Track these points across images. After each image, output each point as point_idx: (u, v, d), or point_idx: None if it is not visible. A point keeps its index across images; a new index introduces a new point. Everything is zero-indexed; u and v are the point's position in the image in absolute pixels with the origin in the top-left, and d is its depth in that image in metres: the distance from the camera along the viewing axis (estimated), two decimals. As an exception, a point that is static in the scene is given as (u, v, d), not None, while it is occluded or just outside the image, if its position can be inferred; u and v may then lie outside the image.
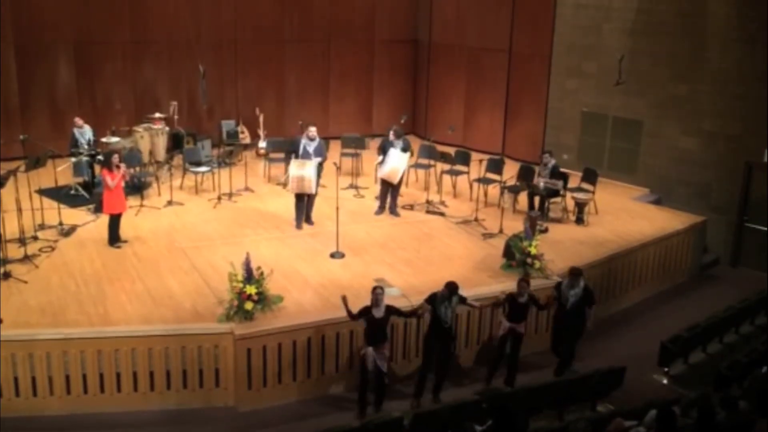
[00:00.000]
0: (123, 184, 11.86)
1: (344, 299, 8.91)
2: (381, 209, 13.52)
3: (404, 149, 13.22)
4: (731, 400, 7.66)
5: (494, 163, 14.50)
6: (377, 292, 8.93)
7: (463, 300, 9.47)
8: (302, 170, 12.40)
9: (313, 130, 12.74)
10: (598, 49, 15.58)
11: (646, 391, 9.49)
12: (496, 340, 10.07)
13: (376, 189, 13.97)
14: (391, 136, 13.32)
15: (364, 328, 9.09)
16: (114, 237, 11.71)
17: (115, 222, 11.73)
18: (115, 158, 11.62)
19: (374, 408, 9.33)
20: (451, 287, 9.27)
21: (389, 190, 13.43)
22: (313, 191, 12.61)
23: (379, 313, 8.96)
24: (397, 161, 13.02)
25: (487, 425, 8.07)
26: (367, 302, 9.06)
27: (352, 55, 18.62)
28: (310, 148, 12.69)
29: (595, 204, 13.76)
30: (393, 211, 13.53)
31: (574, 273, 9.96)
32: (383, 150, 13.43)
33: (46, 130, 15.61)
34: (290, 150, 12.97)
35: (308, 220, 12.90)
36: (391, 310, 9.06)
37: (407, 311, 9.34)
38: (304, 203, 12.78)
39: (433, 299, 9.32)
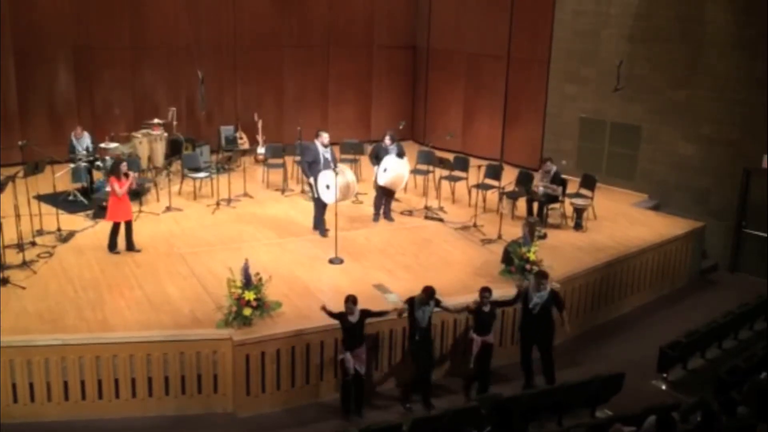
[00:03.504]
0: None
1: (324, 309, 9.10)
2: (377, 216, 13.49)
3: (399, 154, 13.17)
4: (730, 405, 7.67)
5: (493, 169, 14.51)
6: (348, 305, 9.02)
7: (437, 303, 9.49)
8: (347, 177, 12.05)
9: (326, 137, 12.47)
10: (596, 54, 15.61)
11: (645, 397, 9.47)
12: (471, 358, 9.89)
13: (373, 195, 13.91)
14: (387, 141, 13.24)
15: (341, 333, 9.17)
16: (114, 243, 11.68)
17: (116, 228, 11.69)
18: (124, 166, 11.61)
19: (355, 412, 9.37)
20: (429, 292, 9.32)
21: (384, 196, 13.41)
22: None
23: (353, 318, 9.07)
24: (400, 168, 12.95)
25: (486, 431, 8.07)
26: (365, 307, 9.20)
27: (351, 61, 18.65)
28: (329, 155, 12.46)
29: (593, 210, 13.76)
30: (387, 216, 13.52)
31: (540, 275, 9.90)
32: (376, 156, 13.32)
33: (45, 136, 15.61)
34: (310, 161, 12.42)
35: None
36: (364, 313, 9.16)
37: (379, 311, 9.35)
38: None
39: (411, 303, 9.37)
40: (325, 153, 12.44)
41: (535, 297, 9.78)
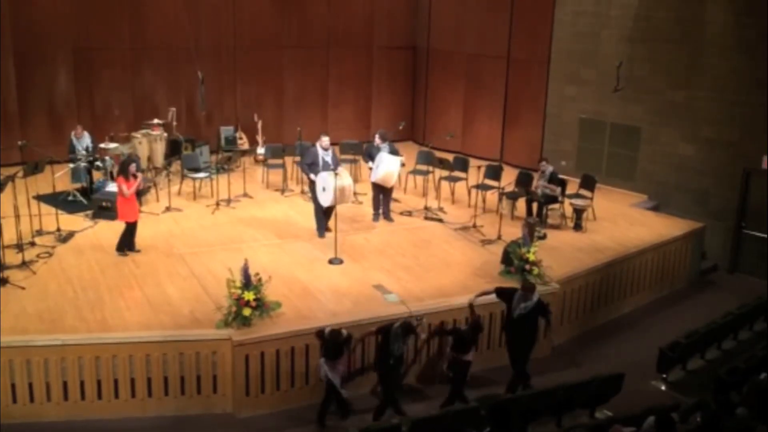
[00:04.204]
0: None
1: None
2: (377, 215, 13.52)
3: (392, 152, 13.20)
4: (729, 405, 7.67)
5: (493, 170, 14.51)
6: (333, 335, 9.00)
7: (414, 333, 9.33)
8: (342, 181, 11.93)
9: (326, 140, 12.51)
10: (596, 55, 15.62)
11: (645, 398, 9.48)
12: (444, 370, 9.74)
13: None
14: (377, 141, 13.30)
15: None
16: (123, 245, 11.61)
17: (128, 230, 11.64)
18: (132, 167, 11.57)
19: (340, 416, 9.29)
20: (407, 327, 9.13)
21: (382, 195, 13.42)
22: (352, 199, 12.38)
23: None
24: (391, 164, 12.97)
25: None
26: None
27: (351, 62, 18.67)
28: (329, 158, 12.46)
29: (593, 210, 13.76)
30: (387, 216, 13.52)
31: (527, 288, 9.57)
32: (369, 155, 13.39)
33: (45, 136, 15.61)
34: (309, 163, 12.50)
35: (327, 228, 12.70)
36: (349, 339, 9.16)
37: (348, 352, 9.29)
38: (330, 213, 12.49)
39: (387, 332, 9.13)
40: (325, 156, 12.45)
41: (519, 308, 9.51)
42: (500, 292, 9.82)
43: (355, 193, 14.54)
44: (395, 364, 9.30)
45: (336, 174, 11.87)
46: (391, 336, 9.11)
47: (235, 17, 17.26)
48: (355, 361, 9.73)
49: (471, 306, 9.81)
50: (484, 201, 14.03)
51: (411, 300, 10.17)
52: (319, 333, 9.12)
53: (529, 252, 11.04)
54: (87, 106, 16.27)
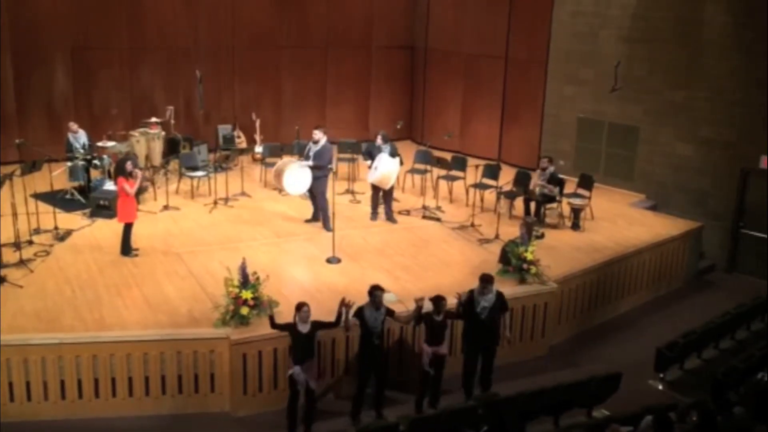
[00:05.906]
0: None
1: (271, 321, 8.89)
2: (375, 214, 13.52)
3: (392, 154, 13.21)
4: (727, 405, 7.67)
5: (490, 169, 14.51)
6: (304, 309, 8.70)
7: (390, 314, 9.15)
8: (283, 166, 12.45)
9: (316, 133, 12.71)
10: (594, 55, 15.62)
11: (642, 397, 9.47)
12: (422, 367, 9.48)
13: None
14: (379, 141, 13.33)
15: (290, 344, 8.92)
16: (128, 247, 11.56)
17: (129, 231, 11.58)
18: (129, 165, 11.52)
19: (304, 429, 9.04)
20: (371, 294, 8.99)
21: (380, 195, 13.43)
22: (288, 192, 12.85)
23: (305, 328, 8.75)
24: (389, 167, 12.98)
25: (483, 431, 8.08)
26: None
27: (349, 61, 18.67)
28: (312, 152, 12.67)
29: (591, 210, 13.77)
30: (389, 218, 13.51)
31: (484, 279, 9.37)
32: (369, 155, 13.44)
33: (43, 135, 15.61)
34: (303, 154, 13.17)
35: (325, 227, 12.73)
36: (316, 325, 8.84)
37: (331, 321, 8.96)
38: (315, 203, 12.97)
39: (361, 312, 8.99)
40: (310, 149, 12.76)
41: (482, 302, 9.37)
42: (459, 304, 9.47)
43: (353, 193, 14.64)
44: (378, 346, 9.09)
45: (289, 160, 12.56)
46: (365, 310, 8.94)
47: (234, 16, 17.26)
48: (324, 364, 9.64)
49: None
50: (482, 200, 14.02)
51: (410, 299, 10.15)
52: (284, 326, 8.82)
53: (527, 251, 11.03)
54: (85, 105, 16.26)
